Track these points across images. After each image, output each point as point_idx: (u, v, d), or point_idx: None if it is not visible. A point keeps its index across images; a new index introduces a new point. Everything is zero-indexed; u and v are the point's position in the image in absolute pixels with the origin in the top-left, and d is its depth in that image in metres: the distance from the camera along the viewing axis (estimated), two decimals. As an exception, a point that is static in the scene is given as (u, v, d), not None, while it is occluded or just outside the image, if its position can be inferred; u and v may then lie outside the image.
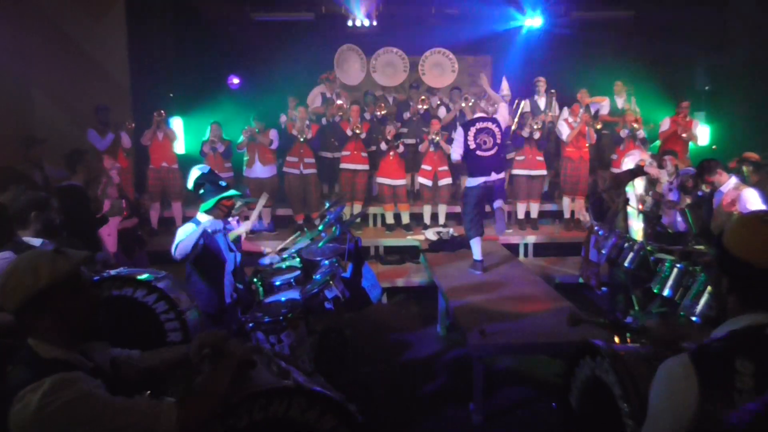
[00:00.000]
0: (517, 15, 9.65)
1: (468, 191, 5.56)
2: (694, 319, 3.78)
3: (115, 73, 8.27)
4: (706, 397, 1.25)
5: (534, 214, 7.91)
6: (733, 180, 4.99)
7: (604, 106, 8.34)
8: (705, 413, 1.24)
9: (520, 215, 7.94)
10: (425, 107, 8.16)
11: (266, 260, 4.70)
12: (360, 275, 4.33)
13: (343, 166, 7.78)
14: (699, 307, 3.78)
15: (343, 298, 3.94)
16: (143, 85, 8.39)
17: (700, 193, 5.45)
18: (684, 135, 7.58)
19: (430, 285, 6.30)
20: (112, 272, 2.98)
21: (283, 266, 4.77)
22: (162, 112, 7.70)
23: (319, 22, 9.65)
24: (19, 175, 4.96)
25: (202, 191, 3.65)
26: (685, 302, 3.92)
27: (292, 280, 4.42)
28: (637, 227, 5.28)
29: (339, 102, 8.15)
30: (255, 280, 4.47)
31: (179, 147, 8.47)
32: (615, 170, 7.48)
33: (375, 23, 9.50)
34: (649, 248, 4.49)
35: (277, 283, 4.39)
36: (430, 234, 7.09)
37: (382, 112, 7.97)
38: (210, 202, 3.63)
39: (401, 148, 7.64)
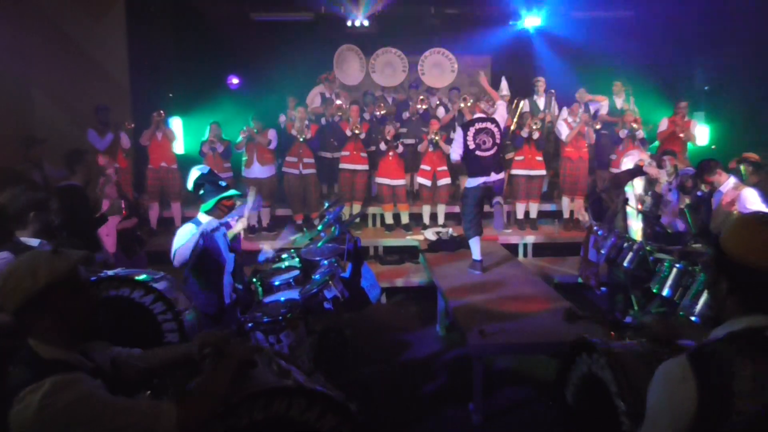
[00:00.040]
0: (517, 15, 9.66)
1: (467, 191, 5.56)
2: (693, 318, 3.79)
3: (115, 73, 8.28)
4: (705, 400, 1.24)
5: (533, 214, 7.92)
6: (733, 180, 4.99)
7: (603, 106, 8.34)
8: (703, 415, 1.24)
9: (520, 215, 7.94)
10: (424, 107, 8.16)
11: (263, 256, 4.69)
12: (359, 275, 4.33)
13: (342, 166, 7.79)
14: (698, 307, 3.79)
15: (342, 298, 3.94)
16: (143, 85, 8.40)
17: (699, 193, 5.45)
18: (682, 135, 7.58)
19: (430, 285, 6.31)
20: (110, 272, 2.98)
21: (283, 266, 4.77)
22: (161, 112, 7.70)
23: (318, 22, 9.66)
24: (19, 175, 4.97)
25: (202, 192, 3.65)
26: (684, 302, 3.93)
27: (291, 280, 4.42)
28: (636, 227, 5.29)
29: (338, 102, 8.16)
30: (254, 280, 4.47)
31: (178, 147, 8.48)
32: (614, 170, 7.48)
33: (374, 23, 9.51)
34: (648, 248, 4.50)
35: (277, 283, 4.39)
36: (430, 234, 7.09)
37: (382, 112, 7.98)
38: (210, 203, 3.63)
39: (400, 148, 7.64)
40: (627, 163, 5.87)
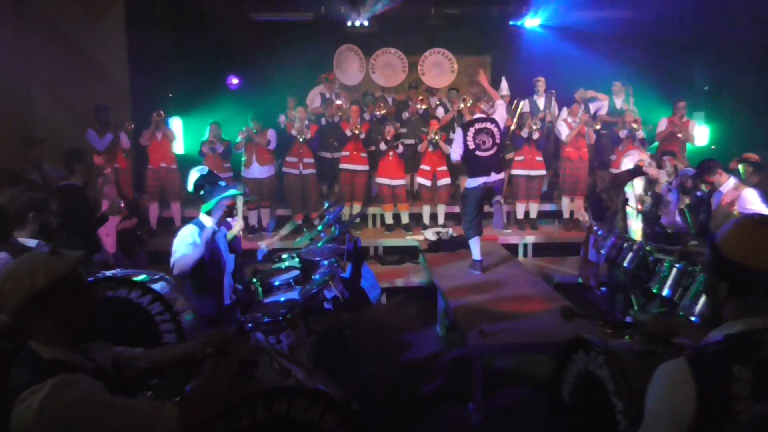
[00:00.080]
0: (517, 15, 9.66)
1: (468, 192, 5.56)
2: (693, 319, 3.79)
3: (115, 73, 8.28)
4: (704, 403, 1.24)
5: (533, 214, 7.92)
6: (733, 180, 4.99)
7: (603, 106, 8.35)
8: (703, 418, 1.23)
9: (520, 215, 7.94)
10: (424, 107, 8.16)
11: (261, 253, 4.69)
12: (359, 275, 4.33)
13: (342, 166, 7.79)
14: (698, 307, 3.79)
15: (342, 298, 3.94)
16: (143, 85, 8.39)
17: (699, 194, 5.45)
18: (680, 135, 7.58)
19: (430, 285, 6.31)
20: (107, 273, 2.98)
21: (282, 266, 4.77)
22: (161, 112, 7.70)
23: (318, 23, 9.65)
24: (18, 176, 4.96)
25: (202, 192, 3.65)
26: (684, 302, 3.93)
27: (291, 281, 4.41)
28: (636, 227, 5.29)
29: (338, 102, 8.16)
30: (254, 280, 4.47)
31: (178, 147, 8.47)
32: (614, 170, 7.49)
33: (374, 24, 9.51)
34: (648, 248, 4.50)
35: (276, 283, 4.39)
36: (430, 234, 7.09)
37: (382, 112, 7.97)
38: (211, 203, 3.63)
39: (400, 148, 7.63)
40: (627, 164, 5.87)
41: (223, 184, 3.70)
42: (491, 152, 5.42)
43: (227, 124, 8.01)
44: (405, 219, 7.89)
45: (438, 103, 8.63)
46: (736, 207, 4.75)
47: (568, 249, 7.30)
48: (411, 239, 7.51)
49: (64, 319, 1.62)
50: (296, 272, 4.57)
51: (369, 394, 4.26)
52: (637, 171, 5.48)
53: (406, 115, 8.32)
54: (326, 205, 5.68)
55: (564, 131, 7.65)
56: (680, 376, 1.29)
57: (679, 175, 5.88)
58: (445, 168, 7.69)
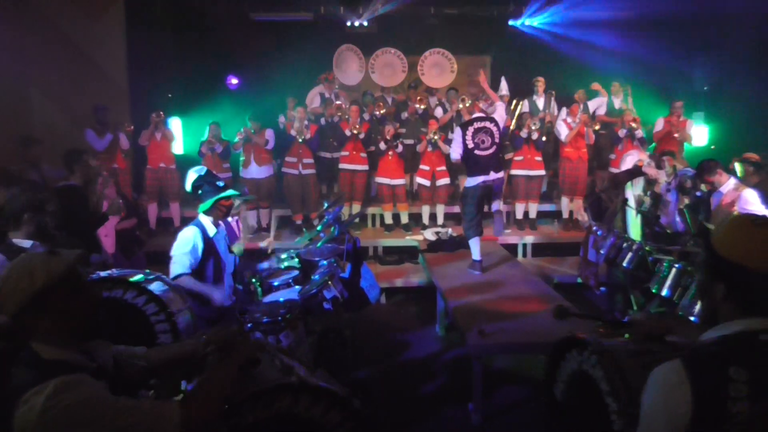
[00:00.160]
0: (516, 15, 9.66)
1: (467, 191, 5.56)
2: (692, 319, 3.78)
3: (114, 73, 8.27)
4: (700, 404, 1.23)
5: (532, 215, 7.92)
6: (733, 180, 4.99)
7: (602, 104, 8.36)
8: (699, 420, 1.23)
9: (519, 215, 7.95)
10: (423, 107, 8.16)
11: (265, 264, 4.68)
12: (359, 275, 4.33)
13: (341, 166, 7.78)
14: (697, 307, 3.78)
15: (341, 298, 3.94)
16: (142, 85, 8.38)
17: (698, 194, 5.45)
18: (677, 135, 7.59)
19: (429, 285, 6.31)
20: (102, 274, 2.96)
21: (282, 266, 4.77)
22: (161, 113, 7.69)
23: (317, 22, 9.66)
24: (16, 176, 4.95)
25: (200, 192, 3.65)
26: (683, 302, 3.93)
27: (290, 281, 4.41)
28: (635, 227, 5.28)
29: (338, 102, 8.16)
30: (254, 280, 4.46)
31: (178, 147, 8.46)
32: (613, 170, 7.49)
33: (374, 24, 9.51)
34: (647, 248, 4.49)
35: (276, 283, 4.38)
36: (429, 234, 7.09)
37: (381, 111, 7.97)
38: (208, 203, 3.62)
39: (400, 148, 7.63)
40: (627, 163, 5.86)
41: (221, 184, 3.70)
42: (490, 151, 5.42)
43: (227, 124, 8.01)
44: (404, 219, 7.89)
45: (437, 103, 8.63)
46: (735, 207, 4.75)
47: (568, 249, 7.30)
48: (410, 239, 7.51)
49: (64, 318, 1.62)
50: (295, 272, 4.56)
51: (368, 395, 4.26)
52: (636, 171, 5.48)
53: (405, 115, 8.33)
54: (325, 205, 5.68)
55: (563, 131, 7.65)
56: (676, 377, 1.28)
57: (678, 175, 5.87)
58: (444, 168, 7.69)
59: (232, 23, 9.50)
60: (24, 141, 6.19)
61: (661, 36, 8.77)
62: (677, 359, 1.31)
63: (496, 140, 5.46)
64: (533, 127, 7.50)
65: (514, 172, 7.76)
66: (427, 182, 7.70)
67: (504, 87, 7.97)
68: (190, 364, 1.98)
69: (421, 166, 7.76)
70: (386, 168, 7.71)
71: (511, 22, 9.83)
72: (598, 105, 8.35)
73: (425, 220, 7.89)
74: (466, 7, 9.81)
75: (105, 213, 5.05)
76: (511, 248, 7.25)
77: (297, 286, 4.29)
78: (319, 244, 5.02)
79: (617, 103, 8.29)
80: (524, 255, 7.64)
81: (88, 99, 7.47)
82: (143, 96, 8.33)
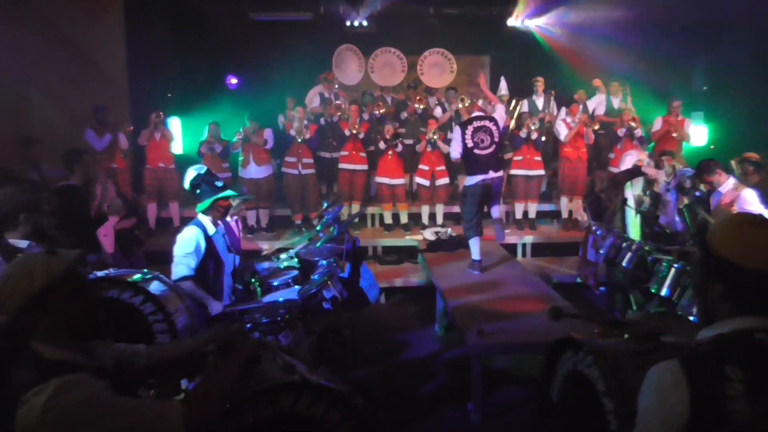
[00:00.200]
0: (516, 15, 9.66)
1: (467, 190, 5.56)
2: (691, 318, 3.79)
3: (114, 73, 8.28)
4: (697, 403, 1.24)
5: (532, 214, 7.92)
6: (732, 180, 4.99)
7: (600, 104, 8.36)
8: (696, 419, 1.23)
9: (518, 215, 7.95)
10: (422, 107, 8.16)
11: (264, 265, 4.69)
12: (358, 275, 4.33)
13: (341, 166, 7.78)
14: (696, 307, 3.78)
15: (341, 298, 3.93)
16: (141, 85, 8.38)
17: (697, 194, 5.45)
18: (675, 135, 7.59)
19: (429, 285, 6.31)
20: (99, 273, 2.96)
21: (281, 266, 4.77)
22: (160, 113, 7.69)
23: (317, 22, 9.66)
24: (14, 176, 4.95)
25: (198, 192, 3.65)
26: (682, 302, 3.93)
27: (290, 280, 4.41)
28: (634, 227, 5.29)
29: (337, 102, 8.16)
30: (253, 280, 4.46)
31: (177, 147, 8.46)
32: (612, 169, 7.49)
33: (373, 23, 9.50)
34: (646, 248, 4.49)
35: (275, 283, 4.38)
36: (428, 234, 7.09)
37: (381, 111, 7.97)
38: (206, 203, 3.63)
39: (400, 147, 7.63)
40: (626, 163, 5.87)
41: (219, 184, 3.70)
42: (490, 150, 5.42)
43: (226, 124, 8.02)
44: (404, 219, 7.89)
45: (436, 102, 8.63)
46: (735, 207, 4.75)
47: (567, 249, 7.30)
48: (410, 239, 7.51)
49: (65, 318, 1.62)
50: (295, 272, 4.56)
51: (368, 394, 4.25)
52: (635, 171, 5.48)
53: (404, 115, 8.33)
54: (325, 205, 5.68)
55: (563, 131, 7.66)
56: (672, 377, 1.28)
57: (677, 175, 5.87)
58: (443, 168, 7.69)
59: (232, 23, 9.50)
60: (24, 141, 6.19)
61: (660, 36, 8.77)
62: (673, 359, 1.32)
63: (496, 139, 5.46)
64: (532, 127, 7.50)
65: (513, 171, 7.76)
66: (426, 182, 7.70)
67: (503, 87, 7.98)
68: (190, 363, 1.98)
69: (421, 166, 7.76)
70: (386, 168, 7.72)
71: (510, 22, 9.82)
72: (597, 103, 8.35)
73: (425, 219, 7.90)
74: (466, 6, 9.82)
75: (105, 213, 5.05)
76: (511, 248, 7.25)
77: (296, 286, 4.28)
78: (318, 244, 5.01)
79: (616, 102, 8.29)
80: (523, 255, 7.64)
81: (88, 99, 7.46)
82: (143, 96, 8.33)
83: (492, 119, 5.48)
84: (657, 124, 7.79)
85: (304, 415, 1.84)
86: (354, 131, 7.52)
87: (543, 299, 4.68)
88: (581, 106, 7.93)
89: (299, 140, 7.51)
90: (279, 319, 3.60)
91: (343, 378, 2.20)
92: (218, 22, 9.34)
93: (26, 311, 1.57)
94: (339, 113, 7.81)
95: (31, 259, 1.64)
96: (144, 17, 8.63)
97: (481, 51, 10.58)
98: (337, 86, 8.76)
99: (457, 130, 5.58)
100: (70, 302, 1.63)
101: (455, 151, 5.56)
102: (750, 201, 4.70)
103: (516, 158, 7.73)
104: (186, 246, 3.50)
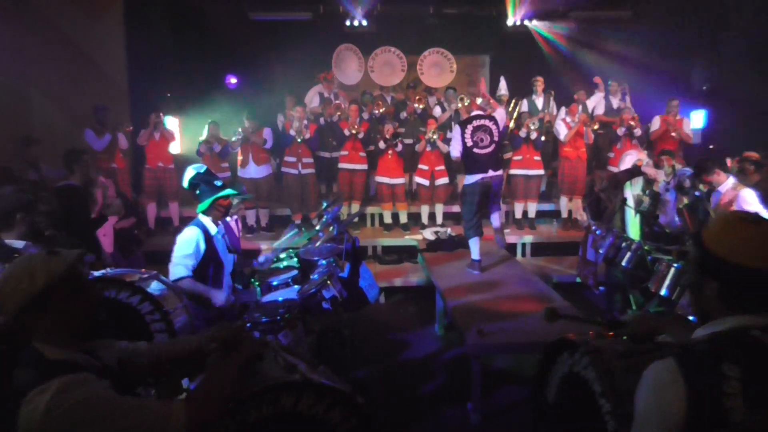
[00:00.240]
0: (515, 15, 9.66)
1: (466, 189, 5.56)
2: (690, 318, 3.79)
3: (113, 72, 8.28)
4: (694, 402, 1.24)
5: (531, 214, 7.92)
6: (732, 180, 4.99)
7: (599, 103, 8.36)
8: (694, 418, 1.23)
9: (518, 215, 7.95)
10: (421, 106, 8.16)
11: (261, 259, 4.69)
12: (357, 275, 4.33)
13: (341, 165, 7.79)
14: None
15: (340, 298, 3.93)
16: (141, 85, 8.39)
17: (697, 193, 5.45)
18: (674, 134, 7.59)
19: (428, 285, 6.31)
20: (96, 273, 2.96)
21: (281, 266, 4.77)
22: (160, 114, 7.69)
23: (317, 22, 9.66)
24: (13, 176, 4.95)
25: (198, 191, 3.65)
26: (682, 302, 3.93)
27: (289, 280, 4.41)
28: (634, 227, 5.29)
29: (337, 102, 8.16)
30: (252, 280, 4.46)
31: (176, 147, 8.46)
32: (612, 169, 7.50)
33: (373, 23, 9.51)
34: (646, 248, 4.50)
35: (275, 282, 4.39)
36: (428, 234, 7.10)
37: (381, 110, 7.97)
38: (206, 203, 3.62)
39: (399, 147, 7.63)
40: (626, 162, 5.87)
41: (219, 183, 3.70)
42: (489, 150, 5.43)
43: (226, 123, 8.02)
44: (403, 218, 7.89)
45: (436, 102, 8.63)
46: (734, 207, 4.75)
47: (567, 248, 7.30)
48: (409, 239, 7.52)
49: (65, 319, 1.62)
50: (294, 272, 4.56)
51: (367, 394, 4.26)
52: (635, 170, 5.49)
53: (404, 114, 8.33)
54: (324, 204, 5.68)
55: (562, 131, 7.66)
56: (669, 376, 1.28)
57: (677, 174, 5.88)
58: (443, 167, 7.69)
59: (232, 23, 9.50)
60: (24, 141, 6.19)
61: (660, 35, 8.77)
62: (670, 358, 1.32)
63: (495, 138, 5.46)
64: (532, 127, 7.50)
65: (513, 171, 7.77)
66: (426, 182, 7.70)
67: (503, 87, 7.99)
68: (191, 362, 1.98)
69: (420, 166, 7.76)
70: (385, 167, 7.72)
71: (510, 22, 9.82)
72: (596, 102, 8.35)
73: (424, 219, 7.90)
74: (466, 6, 9.83)
75: (104, 213, 5.06)
76: (510, 248, 7.25)
77: (296, 286, 4.29)
78: (318, 244, 5.01)
79: (615, 102, 8.30)
80: (523, 254, 7.64)
81: (88, 99, 7.47)
82: (143, 96, 8.33)
83: (492, 118, 5.49)
84: (656, 124, 7.80)
85: (306, 414, 1.84)
86: (354, 131, 7.52)
87: (542, 299, 4.68)
88: (581, 106, 7.93)
89: (299, 140, 7.51)
90: (278, 318, 3.61)
91: (342, 378, 2.20)
92: (218, 22, 9.35)
93: (27, 311, 1.58)
94: (339, 113, 7.81)
95: (31, 260, 1.64)
96: (144, 17, 8.63)
97: (480, 51, 10.59)
98: (336, 86, 8.76)
99: (456, 129, 5.58)
100: (70, 302, 1.63)
101: (455, 150, 5.56)
102: (749, 201, 4.70)
103: (515, 158, 7.74)
104: (186, 247, 3.49)
